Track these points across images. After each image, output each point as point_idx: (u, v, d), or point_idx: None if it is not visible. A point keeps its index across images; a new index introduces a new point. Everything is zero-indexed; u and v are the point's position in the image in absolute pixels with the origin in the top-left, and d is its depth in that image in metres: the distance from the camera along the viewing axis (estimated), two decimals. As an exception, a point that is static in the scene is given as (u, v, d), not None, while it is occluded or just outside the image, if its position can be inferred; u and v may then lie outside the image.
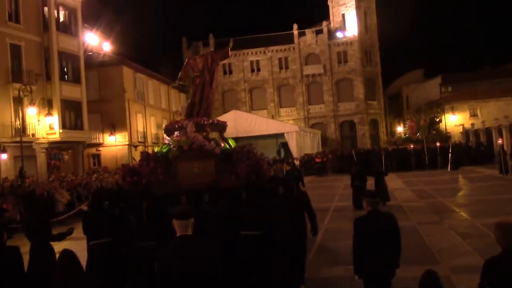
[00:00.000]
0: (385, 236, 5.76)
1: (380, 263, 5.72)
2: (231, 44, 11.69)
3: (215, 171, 9.67)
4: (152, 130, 45.65)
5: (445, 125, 52.23)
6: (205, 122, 10.48)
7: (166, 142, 10.88)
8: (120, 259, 7.65)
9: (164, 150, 10.34)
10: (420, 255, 9.57)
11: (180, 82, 11.80)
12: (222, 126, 11.20)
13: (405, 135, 47.88)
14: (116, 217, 8.03)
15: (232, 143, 11.01)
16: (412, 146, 36.25)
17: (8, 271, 5.60)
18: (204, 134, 10.23)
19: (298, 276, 7.76)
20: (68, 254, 4.86)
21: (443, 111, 53.87)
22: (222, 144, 10.52)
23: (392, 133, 65.48)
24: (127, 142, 40.25)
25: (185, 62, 11.43)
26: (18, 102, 28.94)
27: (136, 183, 9.66)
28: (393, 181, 24.55)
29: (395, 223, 5.91)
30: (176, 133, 10.52)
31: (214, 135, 10.66)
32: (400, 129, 60.06)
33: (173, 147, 10.14)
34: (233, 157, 9.89)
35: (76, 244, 13.78)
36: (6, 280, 5.55)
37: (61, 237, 7.77)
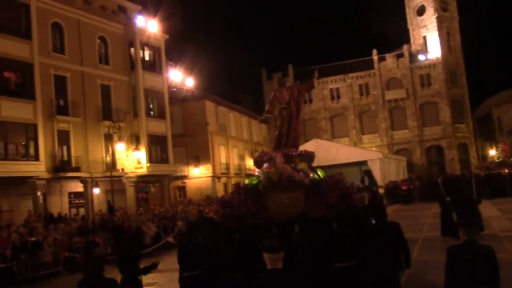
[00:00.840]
0: (482, 270, 5.32)
1: None
2: (316, 75, 11.89)
3: (304, 202, 9.66)
4: (235, 161, 46.30)
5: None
6: (293, 153, 10.57)
7: (256, 173, 10.97)
8: None
9: (254, 182, 10.45)
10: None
11: (268, 115, 11.98)
12: (310, 157, 11.19)
13: (498, 159, 45.11)
14: (210, 249, 8.17)
15: (321, 173, 10.92)
16: (506, 171, 34.00)
17: None
18: (293, 165, 10.25)
19: None
20: None
21: (539, 132, 50.40)
22: (311, 175, 10.42)
23: (483, 157, 62.01)
24: (211, 174, 41.04)
25: (271, 95, 11.68)
26: (108, 139, 30.51)
27: (228, 215, 9.92)
28: (487, 209, 22.95)
29: (493, 256, 5.46)
30: (265, 164, 10.61)
31: (302, 165, 10.64)
32: (492, 152, 56.80)
33: (262, 178, 10.22)
34: (322, 187, 9.86)
35: (163, 276, 14.09)
36: None
37: (146, 271, 7.98)
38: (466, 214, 15.65)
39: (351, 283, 7.31)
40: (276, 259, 4.31)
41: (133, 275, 7.82)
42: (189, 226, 10.55)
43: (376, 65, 57.30)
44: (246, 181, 11.07)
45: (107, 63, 32.56)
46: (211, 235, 8.77)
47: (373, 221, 8.02)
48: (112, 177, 27.46)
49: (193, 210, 24.91)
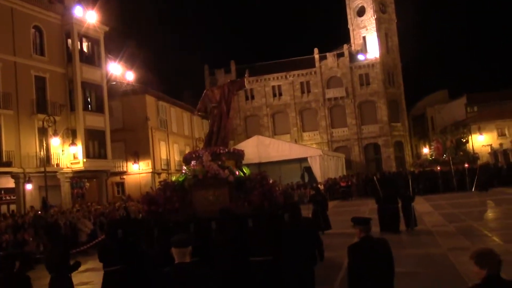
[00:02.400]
0: (380, 263, 5.73)
1: None
2: (247, 75, 12.44)
3: (229, 199, 9.95)
4: (176, 157, 45.69)
5: (473, 146, 51.10)
6: (221, 151, 10.86)
7: (183, 171, 11.18)
8: (133, 285, 8.05)
9: (181, 179, 10.66)
10: (452, 286, 9.05)
11: (199, 113, 12.57)
12: (238, 155, 11.56)
13: (431, 157, 46.83)
14: (129, 245, 8.41)
15: (246, 171, 11.21)
16: (439, 168, 35.37)
17: None
18: (220, 163, 10.51)
19: None
20: None
21: (469, 132, 52.80)
22: (237, 172, 10.70)
23: (417, 155, 64.34)
24: (151, 170, 40.32)
25: (203, 94, 11.96)
26: (43, 133, 29.27)
27: (153, 212, 10.10)
28: (421, 205, 23.83)
29: (388, 248, 5.89)
30: (193, 162, 10.87)
31: (230, 163, 10.91)
32: (425, 150, 59.04)
33: (189, 176, 10.40)
34: (247, 185, 10.16)
35: (98, 275, 13.64)
36: None
37: (70, 270, 7.89)
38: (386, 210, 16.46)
39: (267, 276, 7.63)
40: (183, 253, 4.37)
41: (63, 274, 7.64)
42: (109, 223, 10.82)
43: (317, 63, 58.22)
44: (173, 178, 11.39)
45: (42, 54, 31.22)
46: (131, 232, 8.99)
47: (287, 218, 8.38)
48: (46, 173, 26.40)
49: (132, 207, 24.35)
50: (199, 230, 8.56)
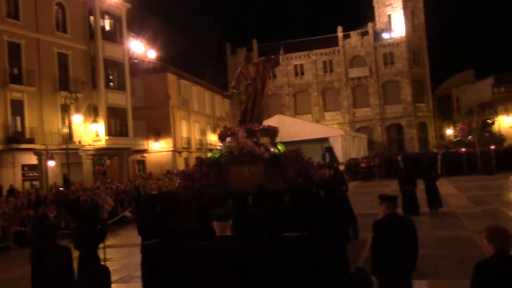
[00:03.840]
0: (404, 240, 5.81)
1: (398, 266, 5.76)
2: (282, 51, 12.26)
3: (264, 175, 10.02)
4: (196, 136, 45.76)
5: (499, 127, 49.97)
6: (256, 128, 10.96)
7: (219, 147, 11.31)
8: (171, 258, 8.12)
9: (216, 156, 10.78)
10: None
11: (234, 91, 12.34)
12: (272, 132, 11.62)
13: (456, 138, 46.01)
14: (167, 219, 8.55)
15: (281, 147, 11.24)
16: (463, 150, 34.66)
17: (59, 269, 5.87)
18: (255, 139, 10.59)
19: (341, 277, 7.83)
20: None
21: (496, 113, 51.62)
22: (272, 149, 10.74)
23: (441, 136, 63.32)
24: (172, 148, 40.43)
25: (238, 71, 11.95)
26: (65, 110, 29.47)
27: (190, 188, 10.25)
28: (445, 187, 23.34)
29: (413, 227, 5.97)
30: (228, 139, 11.00)
31: (264, 140, 11.00)
32: (450, 132, 58.01)
33: (224, 152, 10.53)
34: (282, 162, 10.18)
35: (118, 252, 13.70)
36: (55, 278, 5.80)
37: (98, 240, 8.15)
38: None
39: (301, 252, 7.74)
40: (224, 226, 4.52)
41: (92, 251, 7.82)
42: (147, 198, 10.92)
43: (340, 42, 57.28)
44: (209, 155, 11.38)
45: (64, 31, 31.21)
46: (169, 206, 9.05)
47: (323, 194, 8.56)
48: (68, 150, 26.62)
49: (152, 185, 24.39)
50: (236, 205, 8.66)
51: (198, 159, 11.13)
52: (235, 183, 10.05)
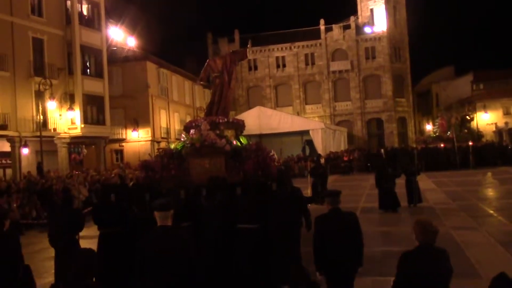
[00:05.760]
0: (345, 235, 5.77)
1: (342, 262, 5.72)
2: (249, 45, 12.35)
3: (225, 168, 10.14)
4: (176, 126, 45.12)
5: (477, 124, 50.45)
6: (220, 121, 11.11)
7: (182, 139, 11.45)
8: (127, 247, 8.00)
9: (179, 147, 10.89)
10: (458, 267, 8.51)
11: (201, 82, 12.98)
12: (238, 125, 11.83)
13: (435, 134, 46.28)
14: (122, 209, 8.66)
15: (244, 141, 11.44)
16: (442, 145, 34.80)
17: (5, 258, 5.73)
18: (218, 132, 10.72)
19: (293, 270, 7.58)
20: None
21: (475, 109, 52.12)
22: (234, 142, 10.88)
23: (421, 131, 63.73)
24: (150, 138, 39.82)
25: (205, 64, 12.12)
26: (40, 96, 28.67)
27: (151, 178, 10.34)
28: (423, 182, 23.30)
29: (356, 222, 5.96)
30: (192, 130, 11.06)
31: (229, 133, 11.18)
32: (429, 127, 58.37)
33: (187, 144, 10.59)
34: (242, 155, 10.32)
35: (88, 244, 13.25)
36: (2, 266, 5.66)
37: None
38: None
39: (253, 243, 7.87)
40: (165, 216, 4.62)
41: (70, 246, 7.85)
42: (103, 188, 10.88)
43: (322, 35, 57.04)
44: (172, 146, 11.57)
45: (40, 14, 30.28)
46: (124, 196, 9.23)
47: (274, 187, 8.68)
48: (43, 137, 25.94)
49: (129, 174, 23.87)
50: (190, 196, 8.79)
51: (161, 150, 11.39)
52: (195, 175, 10.15)
